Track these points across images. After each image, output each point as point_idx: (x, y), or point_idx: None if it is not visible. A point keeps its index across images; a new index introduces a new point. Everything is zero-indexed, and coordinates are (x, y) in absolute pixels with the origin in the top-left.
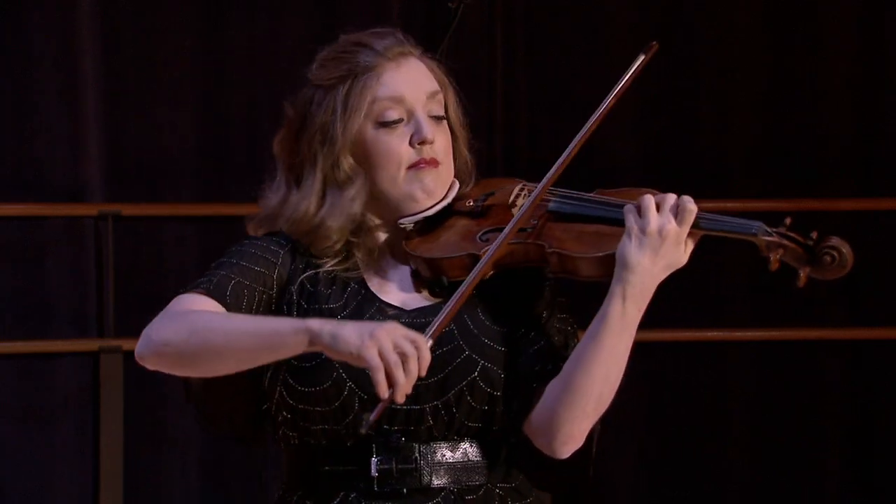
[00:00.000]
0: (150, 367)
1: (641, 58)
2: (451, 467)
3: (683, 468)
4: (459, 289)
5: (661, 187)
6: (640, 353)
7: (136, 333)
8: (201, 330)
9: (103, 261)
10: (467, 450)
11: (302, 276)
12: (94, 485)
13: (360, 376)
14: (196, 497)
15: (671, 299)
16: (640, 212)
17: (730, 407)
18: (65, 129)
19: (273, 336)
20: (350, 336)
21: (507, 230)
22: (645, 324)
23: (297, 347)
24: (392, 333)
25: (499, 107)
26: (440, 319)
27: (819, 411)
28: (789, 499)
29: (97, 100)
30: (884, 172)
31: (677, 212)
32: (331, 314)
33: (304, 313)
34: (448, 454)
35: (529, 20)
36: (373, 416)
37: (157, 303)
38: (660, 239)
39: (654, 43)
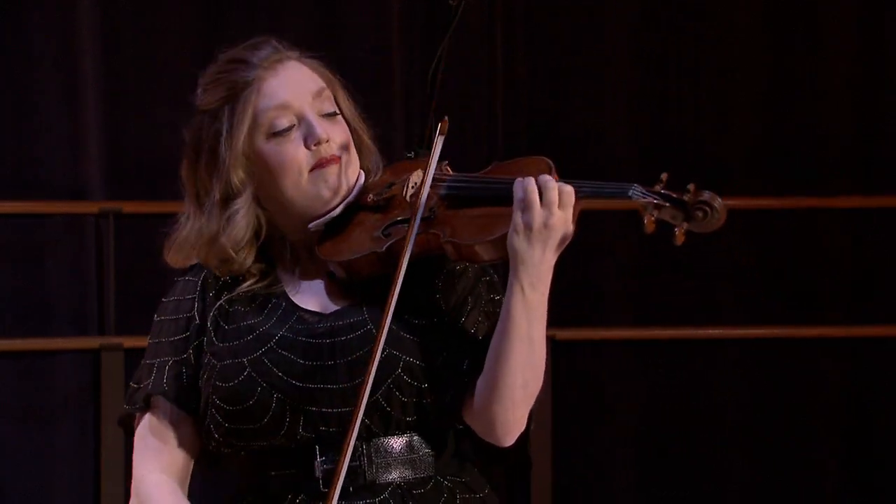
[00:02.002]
0: None
1: (440, 138)
2: (397, 462)
3: (680, 467)
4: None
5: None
6: (638, 350)
7: (137, 331)
8: None
9: (104, 258)
10: (412, 443)
11: (218, 304)
12: (94, 484)
13: (286, 387)
14: (196, 496)
15: (669, 297)
16: (524, 206)
17: (728, 406)
18: (65, 129)
19: None
20: None
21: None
22: (643, 322)
23: None
24: None
25: (499, 106)
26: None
27: (818, 410)
28: (787, 498)
29: (97, 99)
30: (883, 171)
31: (559, 198)
32: (250, 330)
33: (224, 335)
34: (393, 449)
35: (529, 20)
36: None
37: (157, 301)
38: (547, 231)
39: (445, 118)
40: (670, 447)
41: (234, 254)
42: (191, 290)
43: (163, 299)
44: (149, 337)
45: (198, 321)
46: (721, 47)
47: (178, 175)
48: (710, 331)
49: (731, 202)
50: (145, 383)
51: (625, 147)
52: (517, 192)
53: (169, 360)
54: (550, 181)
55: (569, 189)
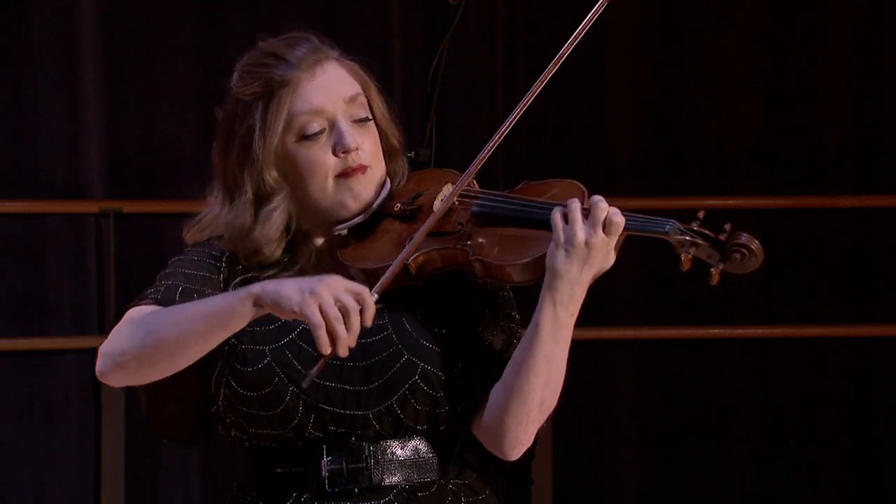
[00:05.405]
0: (113, 383)
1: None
2: (402, 464)
3: (683, 466)
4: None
5: (662, 187)
6: (642, 350)
7: None
8: (153, 329)
9: (104, 258)
10: (418, 446)
11: (241, 279)
12: (95, 483)
13: (301, 378)
14: (197, 495)
15: (673, 297)
16: (566, 219)
17: (731, 405)
18: (65, 128)
19: (222, 312)
20: (291, 293)
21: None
22: (647, 321)
23: (246, 315)
24: (333, 288)
25: (499, 107)
26: (387, 276)
27: (818, 410)
28: (790, 497)
29: (97, 99)
30: (883, 171)
31: (605, 223)
32: (271, 318)
33: None
34: (399, 451)
35: (530, 20)
36: (314, 371)
37: None
38: (587, 250)
39: None
40: (671, 445)
41: (264, 247)
42: (217, 250)
43: (191, 247)
44: (168, 267)
45: (225, 281)
46: (721, 47)
47: (178, 174)
48: (711, 330)
49: (732, 202)
50: (150, 292)
51: (625, 147)
52: (561, 208)
53: (195, 288)
54: (603, 202)
55: (620, 220)
